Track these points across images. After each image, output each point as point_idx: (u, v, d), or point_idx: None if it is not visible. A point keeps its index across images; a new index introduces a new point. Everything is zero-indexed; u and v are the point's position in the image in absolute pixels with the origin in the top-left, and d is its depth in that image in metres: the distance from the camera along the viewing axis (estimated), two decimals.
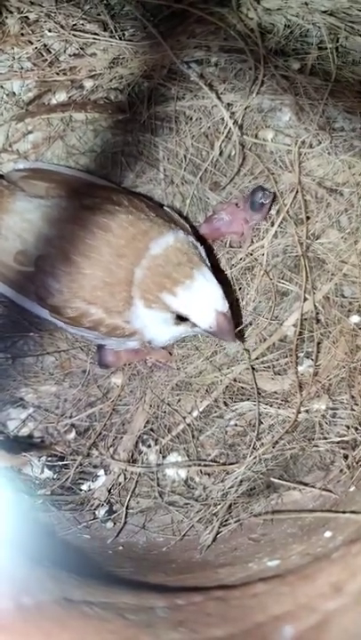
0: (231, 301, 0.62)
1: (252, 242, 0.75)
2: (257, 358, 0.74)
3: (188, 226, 0.70)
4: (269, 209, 0.73)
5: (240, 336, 0.73)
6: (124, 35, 0.74)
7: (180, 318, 0.62)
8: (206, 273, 0.61)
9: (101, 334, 0.66)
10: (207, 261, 0.64)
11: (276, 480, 0.69)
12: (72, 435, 0.74)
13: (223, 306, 0.61)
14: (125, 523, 0.70)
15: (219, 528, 0.67)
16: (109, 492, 0.72)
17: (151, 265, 0.61)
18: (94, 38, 0.73)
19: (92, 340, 0.73)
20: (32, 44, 0.74)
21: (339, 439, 0.70)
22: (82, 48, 0.74)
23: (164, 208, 0.71)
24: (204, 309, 0.60)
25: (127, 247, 0.62)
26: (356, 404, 0.70)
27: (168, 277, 0.60)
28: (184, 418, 0.73)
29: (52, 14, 0.73)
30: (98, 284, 0.63)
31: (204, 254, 0.65)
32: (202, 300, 0.60)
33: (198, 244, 0.66)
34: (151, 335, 0.66)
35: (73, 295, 0.63)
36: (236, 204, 0.73)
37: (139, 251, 0.62)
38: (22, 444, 0.72)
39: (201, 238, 0.72)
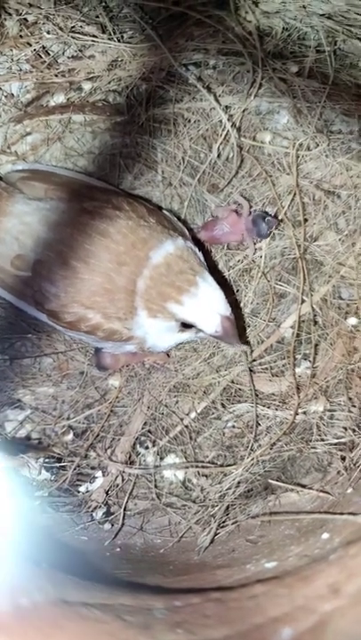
0: (231, 303, 0.62)
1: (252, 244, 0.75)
2: (255, 360, 0.74)
3: (186, 230, 0.69)
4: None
5: (244, 338, 0.73)
6: (122, 37, 0.74)
7: (185, 325, 0.63)
8: (208, 278, 0.61)
9: (99, 338, 0.66)
10: (206, 265, 0.64)
11: (273, 482, 0.69)
12: (70, 436, 0.74)
13: (226, 309, 0.61)
14: (123, 524, 0.70)
15: (216, 530, 0.67)
16: (107, 493, 0.71)
17: (153, 274, 0.60)
18: (93, 40, 0.73)
19: (90, 343, 0.73)
20: (30, 45, 0.73)
21: (336, 441, 0.70)
22: (80, 50, 0.74)
23: (163, 211, 0.71)
24: (209, 315, 0.60)
25: (127, 255, 0.62)
26: (354, 406, 0.71)
27: (172, 286, 0.60)
28: (182, 419, 0.73)
29: (51, 16, 0.73)
30: (97, 290, 0.62)
31: (202, 258, 0.65)
32: (207, 305, 0.60)
33: (197, 250, 0.65)
34: (153, 342, 0.66)
35: (71, 300, 0.63)
36: (236, 212, 0.73)
37: (139, 260, 0.61)
38: (20, 446, 0.72)
39: (199, 242, 0.72)
